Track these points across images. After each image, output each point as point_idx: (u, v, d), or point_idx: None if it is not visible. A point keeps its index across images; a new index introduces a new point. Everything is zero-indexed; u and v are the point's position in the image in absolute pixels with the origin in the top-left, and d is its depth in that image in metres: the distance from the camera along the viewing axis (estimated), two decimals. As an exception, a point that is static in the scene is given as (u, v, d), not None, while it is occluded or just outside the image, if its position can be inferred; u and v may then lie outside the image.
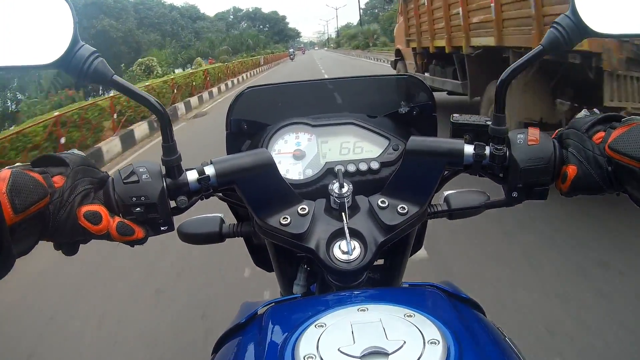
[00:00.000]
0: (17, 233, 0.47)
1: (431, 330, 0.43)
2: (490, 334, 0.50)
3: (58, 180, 0.51)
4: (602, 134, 0.55)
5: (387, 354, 0.40)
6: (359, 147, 0.72)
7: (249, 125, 0.74)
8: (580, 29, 0.53)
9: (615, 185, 0.55)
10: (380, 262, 0.74)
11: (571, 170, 0.56)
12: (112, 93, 10.03)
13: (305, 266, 0.73)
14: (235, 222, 0.72)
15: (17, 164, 0.51)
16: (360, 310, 0.48)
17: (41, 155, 0.53)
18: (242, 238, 0.74)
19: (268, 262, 0.74)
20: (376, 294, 0.58)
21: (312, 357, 0.41)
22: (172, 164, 0.56)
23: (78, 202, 0.51)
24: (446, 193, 0.71)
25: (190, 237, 0.70)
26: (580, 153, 0.56)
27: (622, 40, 2.59)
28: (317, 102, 0.76)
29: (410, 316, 0.46)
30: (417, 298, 0.56)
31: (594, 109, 0.61)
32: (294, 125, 0.73)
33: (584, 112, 0.60)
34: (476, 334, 0.48)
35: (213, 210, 0.73)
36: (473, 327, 0.49)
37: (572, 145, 0.57)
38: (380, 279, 0.73)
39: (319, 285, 0.70)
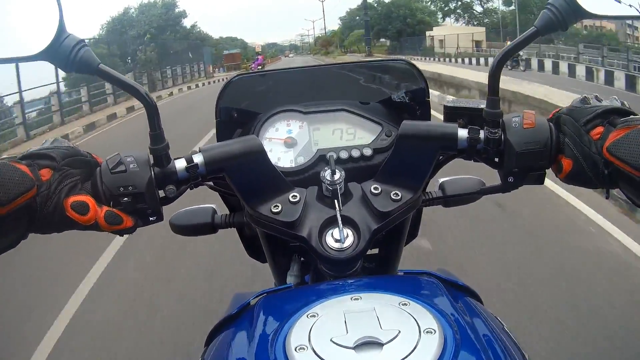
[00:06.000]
0: (3, 226, 0.46)
1: (427, 319, 0.42)
2: (488, 323, 0.49)
3: (45, 174, 0.50)
4: (600, 129, 0.53)
5: (381, 344, 0.39)
6: (351, 133, 0.71)
7: (239, 114, 0.72)
8: (575, 10, 0.52)
9: (610, 184, 0.54)
10: (375, 251, 0.73)
11: (566, 163, 0.55)
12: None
13: (299, 256, 0.72)
14: (228, 212, 0.71)
15: (4, 156, 0.50)
16: (354, 299, 0.47)
17: (27, 151, 0.52)
18: (235, 229, 0.73)
19: (261, 253, 0.73)
20: (370, 282, 0.57)
21: (303, 348, 0.40)
22: (160, 153, 0.55)
23: (65, 193, 0.50)
24: (441, 180, 0.70)
25: (182, 229, 0.70)
26: (576, 147, 0.54)
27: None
28: (308, 89, 0.74)
29: (405, 305, 0.45)
30: (412, 286, 0.55)
31: (592, 94, 0.59)
32: (285, 112, 0.71)
33: (581, 99, 0.58)
34: (473, 323, 0.47)
35: (206, 201, 0.72)
36: (470, 316, 0.48)
37: (569, 135, 0.55)
38: (375, 268, 0.72)
39: (313, 275, 0.70)
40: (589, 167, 0.53)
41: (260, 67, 26.35)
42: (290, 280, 0.70)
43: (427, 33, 36.62)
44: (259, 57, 30.49)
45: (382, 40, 45.37)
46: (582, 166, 0.54)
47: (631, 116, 0.53)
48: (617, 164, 0.50)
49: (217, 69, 34.81)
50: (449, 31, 33.38)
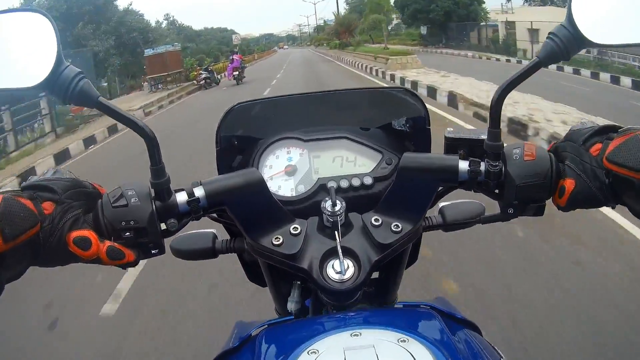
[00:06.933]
0: (7, 260, 0.47)
1: (425, 356, 0.42)
2: (486, 356, 0.50)
3: (48, 207, 0.50)
4: (599, 145, 0.54)
5: None
6: (351, 161, 0.71)
7: (240, 141, 0.72)
8: (578, 40, 0.51)
9: (614, 198, 0.54)
10: (376, 275, 0.73)
11: (569, 184, 0.55)
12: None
13: (299, 282, 0.73)
14: (229, 237, 0.71)
15: (8, 189, 0.50)
16: (354, 335, 0.47)
17: (29, 182, 0.52)
18: (235, 254, 0.73)
19: (262, 278, 0.73)
20: (369, 316, 0.57)
21: None
22: (162, 187, 0.55)
23: (68, 228, 0.51)
24: (441, 204, 0.70)
25: (183, 253, 0.70)
26: (577, 166, 0.54)
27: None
28: (309, 116, 0.74)
29: (404, 341, 0.45)
30: (411, 321, 0.55)
31: (588, 120, 0.60)
32: (285, 140, 0.71)
33: (580, 124, 0.59)
34: (471, 358, 0.47)
35: (208, 223, 0.72)
36: (468, 350, 0.49)
37: (570, 158, 0.56)
38: (375, 293, 0.72)
39: (313, 303, 0.70)
40: (592, 182, 0.53)
41: (236, 72, 16.78)
42: (291, 306, 0.71)
43: (499, 18, 24.70)
44: (235, 57, 17.59)
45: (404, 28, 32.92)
46: (585, 182, 0.54)
47: (629, 126, 0.53)
48: (617, 171, 0.50)
49: (146, 82, 18.16)
50: (549, 16, 16.12)
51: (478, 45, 25.78)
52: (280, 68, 24.63)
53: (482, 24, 27.34)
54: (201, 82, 16.95)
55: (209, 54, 33.76)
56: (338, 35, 36.85)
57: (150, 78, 17.97)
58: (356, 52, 23.87)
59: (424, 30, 29.38)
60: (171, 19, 35.16)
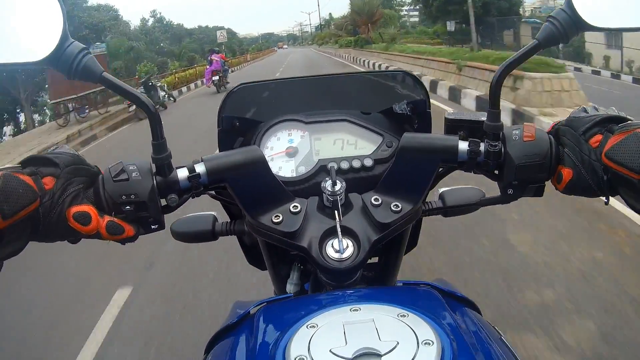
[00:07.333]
0: (6, 237, 0.47)
1: (425, 330, 0.43)
2: (486, 333, 0.50)
3: (48, 182, 0.50)
4: (599, 137, 0.54)
5: (379, 355, 0.39)
6: (352, 144, 0.71)
7: (241, 123, 0.72)
8: (576, 23, 0.52)
9: (610, 192, 0.54)
10: (375, 260, 0.73)
11: (566, 173, 0.55)
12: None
13: (299, 265, 0.73)
14: (229, 220, 0.71)
15: (7, 165, 0.50)
16: (353, 310, 0.47)
17: (30, 156, 0.52)
18: (235, 236, 0.73)
19: (262, 261, 0.73)
20: (369, 293, 0.57)
21: (303, 359, 0.40)
22: (163, 162, 0.55)
23: (68, 203, 0.51)
24: (441, 190, 0.70)
25: (183, 236, 0.70)
26: (576, 156, 0.55)
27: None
28: (310, 99, 0.74)
29: (404, 316, 0.45)
30: (410, 297, 0.55)
31: (590, 104, 0.60)
32: (286, 122, 0.72)
33: (582, 109, 0.59)
34: (471, 334, 0.47)
35: (208, 206, 0.72)
36: (468, 327, 0.49)
37: (569, 146, 0.56)
38: (374, 277, 0.72)
39: (312, 284, 0.70)
40: (589, 175, 0.54)
41: (216, 77, 13.14)
42: (290, 288, 0.71)
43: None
44: (215, 57, 13.55)
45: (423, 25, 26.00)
46: (582, 175, 0.54)
47: (628, 121, 0.53)
48: (616, 169, 0.50)
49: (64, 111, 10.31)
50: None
51: (518, 45, 20.12)
52: (277, 71, 20.96)
53: (531, 19, 22.47)
54: (130, 111, 10.70)
55: (180, 55, 25.86)
56: (355, 27, 27.64)
57: (54, 104, 10.89)
58: (391, 54, 15.75)
59: (450, 26, 22.59)
60: (158, 15, 32.81)
